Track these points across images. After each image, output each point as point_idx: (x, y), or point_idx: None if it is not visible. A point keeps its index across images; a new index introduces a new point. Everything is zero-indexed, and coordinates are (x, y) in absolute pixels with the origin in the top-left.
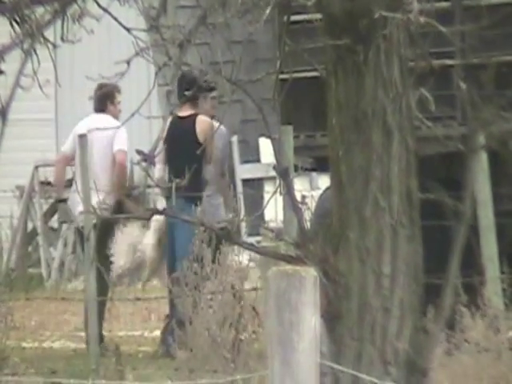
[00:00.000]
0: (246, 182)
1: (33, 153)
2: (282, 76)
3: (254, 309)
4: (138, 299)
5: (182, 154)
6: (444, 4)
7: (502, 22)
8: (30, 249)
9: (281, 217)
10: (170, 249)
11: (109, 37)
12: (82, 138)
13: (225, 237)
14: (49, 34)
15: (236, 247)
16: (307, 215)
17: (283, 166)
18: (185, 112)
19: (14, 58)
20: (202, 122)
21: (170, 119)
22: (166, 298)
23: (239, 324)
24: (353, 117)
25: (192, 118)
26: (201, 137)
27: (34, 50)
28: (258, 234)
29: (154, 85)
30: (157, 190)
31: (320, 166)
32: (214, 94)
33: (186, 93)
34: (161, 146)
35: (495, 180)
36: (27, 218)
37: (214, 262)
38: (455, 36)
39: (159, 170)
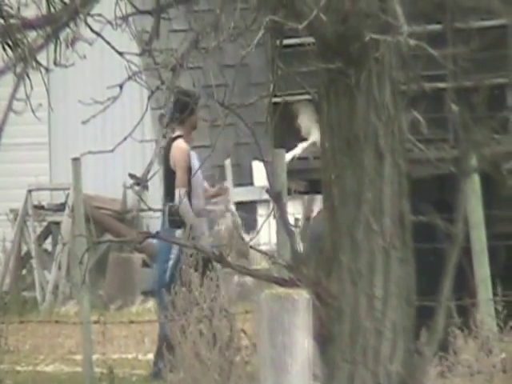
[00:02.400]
0: (239, 205)
1: (26, 177)
2: (274, 99)
3: (243, 331)
4: (132, 322)
5: (164, 178)
6: (435, 27)
7: (493, 45)
8: (23, 272)
9: (274, 240)
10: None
11: (102, 61)
12: (76, 161)
13: (217, 260)
14: (41, 58)
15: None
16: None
17: (276, 189)
18: (175, 133)
19: (6, 82)
20: (174, 148)
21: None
22: (159, 321)
23: (230, 347)
24: (345, 140)
25: (170, 143)
26: (171, 162)
27: (27, 74)
28: None
29: (146, 108)
30: (151, 213)
31: (313, 188)
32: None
33: (177, 115)
34: (154, 169)
35: (488, 202)
36: (21, 241)
37: (201, 285)
38: (447, 59)
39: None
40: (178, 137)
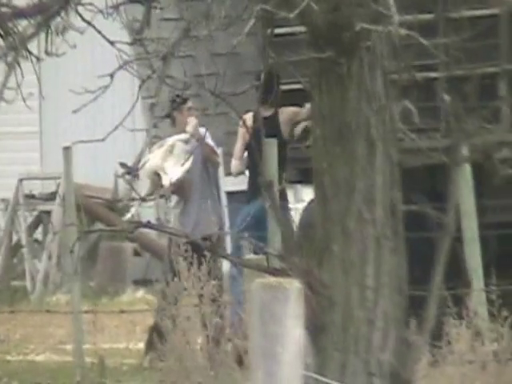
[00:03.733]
0: (230, 194)
1: (17, 166)
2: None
3: (233, 323)
4: (123, 311)
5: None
6: (427, 16)
7: (484, 34)
8: (14, 261)
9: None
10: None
11: (93, 50)
12: (67, 150)
13: (208, 249)
14: (32, 47)
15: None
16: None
17: (267, 178)
18: None
19: None
20: None
21: None
22: (150, 310)
23: (221, 336)
24: (336, 129)
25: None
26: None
27: (18, 63)
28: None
29: (137, 97)
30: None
31: (304, 178)
32: (189, 104)
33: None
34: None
35: (479, 192)
36: (12, 230)
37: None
38: (438, 48)
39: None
40: None
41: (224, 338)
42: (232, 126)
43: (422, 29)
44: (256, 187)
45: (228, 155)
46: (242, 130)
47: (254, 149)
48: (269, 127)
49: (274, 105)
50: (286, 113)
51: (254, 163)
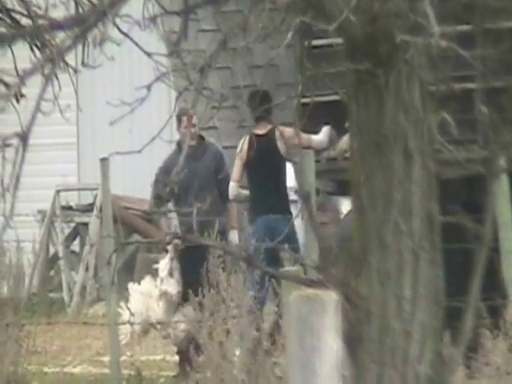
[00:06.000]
0: None
1: (54, 177)
2: (303, 100)
3: (271, 334)
4: (159, 323)
5: None
6: (464, 27)
7: None
8: (51, 273)
9: (302, 240)
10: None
11: (130, 62)
12: (104, 161)
13: (245, 261)
14: (70, 59)
15: None
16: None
17: (305, 189)
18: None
19: (34, 83)
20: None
21: None
22: (187, 321)
23: (259, 348)
24: (374, 141)
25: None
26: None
27: (55, 75)
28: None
29: (174, 109)
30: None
31: (341, 189)
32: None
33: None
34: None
35: None
36: (49, 242)
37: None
38: (476, 59)
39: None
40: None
41: (261, 351)
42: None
43: (459, 40)
44: (258, 206)
45: None
46: (240, 155)
47: (252, 168)
48: (264, 144)
49: (269, 122)
50: (288, 131)
51: (253, 183)
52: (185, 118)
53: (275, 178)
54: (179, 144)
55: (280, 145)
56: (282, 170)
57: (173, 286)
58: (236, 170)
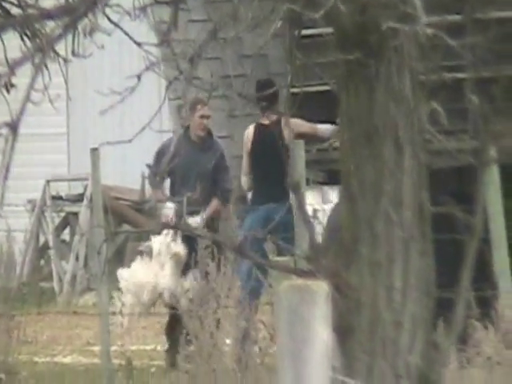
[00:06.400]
0: None
1: (44, 167)
2: (293, 90)
3: (263, 323)
4: (150, 313)
5: None
6: (454, 17)
7: None
8: (41, 263)
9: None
10: None
11: (120, 51)
12: (94, 152)
13: (235, 251)
14: (60, 48)
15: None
16: (319, 229)
17: (295, 179)
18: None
19: (24, 73)
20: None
21: None
22: (178, 312)
23: (248, 338)
24: (364, 131)
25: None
26: None
27: (45, 65)
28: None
29: (164, 99)
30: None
31: (332, 179)
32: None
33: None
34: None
35: (507, 193)
36: (39, 231)
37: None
38: (466, 49)
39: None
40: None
41: (250, 340)
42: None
43: (449, 30)
44: (260, 195)
45: None
46: (245, 146)
47: (256, 158)
48: (269, 134)
49: (275, 112)
50: (294, 121)
51: (257, 172)
52: (199, 107)
53: (279, 168)
54: (186, 131)
55: (286, 134)
56: (285, 160)
57: (181, 247)
58: (245, 164)
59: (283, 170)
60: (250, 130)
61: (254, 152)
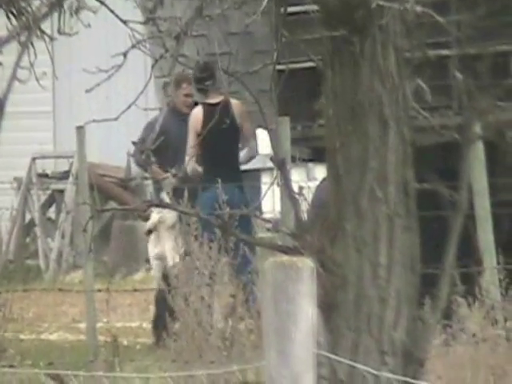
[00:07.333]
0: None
1: (30, 145)
2: (278, 67)
3: (246, 301)
4: (136, 290)
5: None
6: None
7: (498, 12)
8: (27, 240)
9: (278, 208)
10: None
11: (106, 29)
12: (80, 129)
13: (220, 228)
14: (45, 26)
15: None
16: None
17: (280, 156)
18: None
19: (10, 51)
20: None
21: None
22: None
23: (234, 315)
24: (349, 108)
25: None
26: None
27: (31, 43)
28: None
29: (150, 77)
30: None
31: (317, 156)
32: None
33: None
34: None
35: (491, 170)
36: (25, 209)
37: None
38: (451, 26)
39: None
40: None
41: (236, 317)
42: (245, 106)
43: (434, 6)
44: (211, 176)
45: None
46: (194, 126)
47: (206, 138)
48: (220, 113)
49: (219, 93)
50: (236, 103)
51: (207, 152)
52: (184, 85)
53: (230, 148)
54: (173, 108)
55: (236, 113)
56: (236, 139)
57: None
58: (191, 144)
59: (234, 150)
60: (197, 110)
61: (205, 132)
